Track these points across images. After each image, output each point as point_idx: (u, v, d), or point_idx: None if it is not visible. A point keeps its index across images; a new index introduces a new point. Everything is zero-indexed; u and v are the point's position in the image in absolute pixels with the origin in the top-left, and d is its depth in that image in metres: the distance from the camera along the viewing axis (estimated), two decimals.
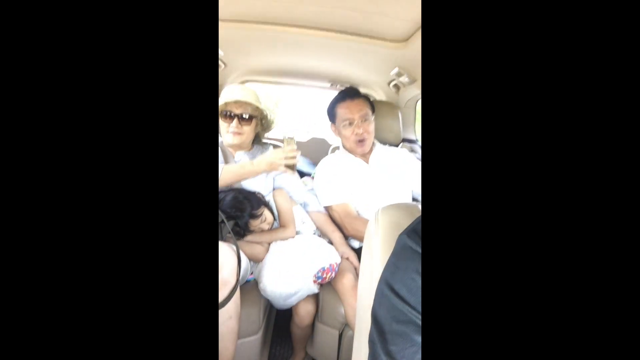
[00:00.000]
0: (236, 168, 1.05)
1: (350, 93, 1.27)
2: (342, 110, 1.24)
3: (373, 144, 1.32)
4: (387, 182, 1.24)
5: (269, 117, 1.20)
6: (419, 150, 1.61)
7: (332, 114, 1.29)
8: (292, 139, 1.07)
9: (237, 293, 0.85)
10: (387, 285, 0.39)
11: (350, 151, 1.28)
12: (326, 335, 1.03)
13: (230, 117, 1.11)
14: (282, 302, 0.98)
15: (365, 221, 1.18)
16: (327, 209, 1.22)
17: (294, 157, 1.03)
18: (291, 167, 1.06)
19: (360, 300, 0.59)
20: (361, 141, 1.23)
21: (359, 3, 0.95)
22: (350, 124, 1.22)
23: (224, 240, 0.92)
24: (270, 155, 1.03)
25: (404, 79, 1.48)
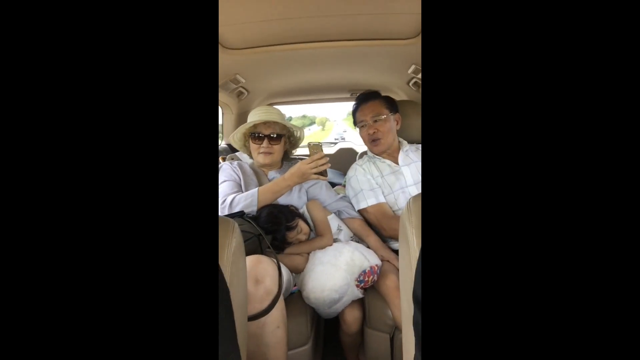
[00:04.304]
0: (270, 187, 1.07)
1: (362, 97, 1.31)
2: (357, 115, 1.30)
3: (400, 143, 1.31)
4: (418, 180, 1.22)
5: (295, 133, 1.26)
6: None
7: (354, 121, 1.34)
8: (317, 144, 1.05)
9: (282, 303, 0.86)
10: None
11: (372, 152, 1.30)
12: (377, 340, 1.01)
13: (259, 138, 1.17)
14: (327, 310, 0.98)
15: None
16: (363, 212, 1.22)
17: (323, 164, 1.01)
18: (322, 173, 1.02)
19: (404, 294, 0.58)
20: (374, 141, 1.25)
21: (363, 7, 0.97)
22: (364, 126, 1.26)
23: (264, 254, 0.94)
24: (299, 167, 1.03)
25: None
